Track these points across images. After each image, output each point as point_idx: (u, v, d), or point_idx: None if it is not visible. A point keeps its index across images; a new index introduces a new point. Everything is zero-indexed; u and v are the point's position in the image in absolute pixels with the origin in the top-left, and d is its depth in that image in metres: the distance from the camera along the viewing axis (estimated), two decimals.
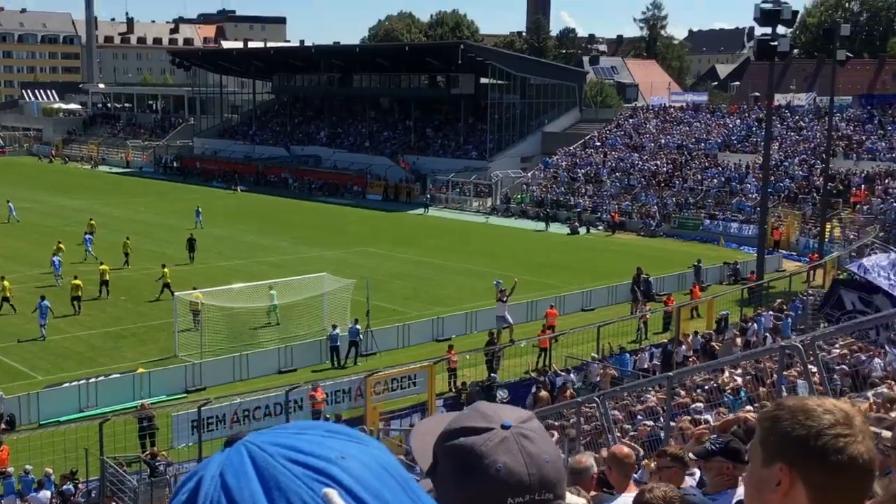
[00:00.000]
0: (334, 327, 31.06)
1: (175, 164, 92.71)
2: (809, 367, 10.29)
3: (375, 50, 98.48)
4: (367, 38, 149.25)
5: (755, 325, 29.61)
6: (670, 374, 15.42)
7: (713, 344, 28.24)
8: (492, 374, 27.51)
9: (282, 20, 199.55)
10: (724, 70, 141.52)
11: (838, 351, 18.20)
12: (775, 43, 40.44)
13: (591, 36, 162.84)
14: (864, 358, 18.06)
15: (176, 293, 32.89)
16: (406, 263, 47.17)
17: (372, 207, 69.11)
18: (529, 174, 72.27)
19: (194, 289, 33.65)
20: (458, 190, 71.41)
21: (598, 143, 74.06)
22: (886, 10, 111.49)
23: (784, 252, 49.89)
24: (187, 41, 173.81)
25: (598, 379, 25.70)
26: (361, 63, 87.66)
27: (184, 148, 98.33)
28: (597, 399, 14.77)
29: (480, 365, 28.93)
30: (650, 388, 19.25)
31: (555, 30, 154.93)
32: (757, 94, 74.53)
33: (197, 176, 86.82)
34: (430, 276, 44.18)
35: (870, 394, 12.34)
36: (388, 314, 35.39)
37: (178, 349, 30.79)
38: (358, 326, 31.27)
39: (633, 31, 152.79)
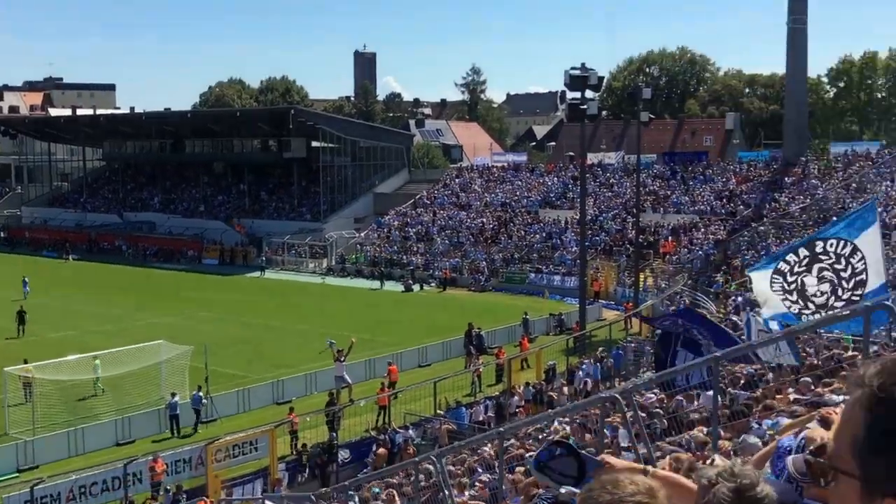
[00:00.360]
0: (173, 395, 30.10)
1: (2, 234, 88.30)
2: (628, 415, 10.70)
3: (207, 115, 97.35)
4: (198, 104, 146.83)
5: (580, 372, 30.52)
6: (501, 428, 15.65)
7: (551, 394, 28.85)
8: (332, 435, 27.22)
9: (111, 87, 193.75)
10: (540, 131, 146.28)
11: (655, 396, 18.89)
12: (585, 106, 42.42)
13: (417, 100, 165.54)
14: (684, 402, 18.81)
15: (5, 368, 31.10)
16: (244, 327, 46.29)
17: (208, 272, 67.62)
18: (363, 234, 72.54)
19: (25, 362, 31.95)
20: (293, 252, 70.86)
21: (428, 203, 75.14)
22: (682, 74, 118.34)
23: (604, 302, 51.72)
24: (13, 109, 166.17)
25: (439, 434, 25.81)
26: (193, 129, 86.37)
27: (11, 217, 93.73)
28: (433, 457, 14.81)
29: (321, 426, 28.60)
30: (486, 442, 19.45)
31: (381, 94, 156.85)
32: (571, 153, 77.37)
33: (26, 245, 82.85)
34: (268, 339, 43.48)
35: (687, 435, 12.93)
36: (228, 379, 34.56)
37: (8, 426, 29.06)
38: (201, 394, 30.41)
39: (455, 95, 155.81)
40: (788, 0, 63.65)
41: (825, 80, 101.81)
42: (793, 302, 16.46)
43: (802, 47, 64.25)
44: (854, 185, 54.91)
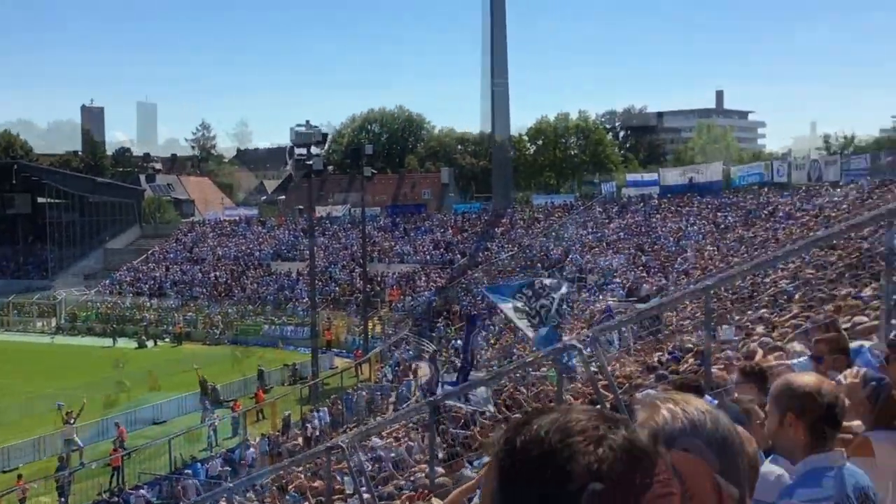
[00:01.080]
0: None
1: None
2: (352, 461, 11.16)
3: None
4: None
5: (315, 420, 30.68)
6: (230, 484, 15.61)
7: (296, 442, 28.58)
8: (63, 501, 25.70)
9: None
10: (270, 185, 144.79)
11: (381, 442, 19.44)
12: (311, 162, 43.09)
13: (147, 154, 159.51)
14: (413, 445, 19.49)
15: None
16: None
17: None
18: (94, 291, 68.87)
19: None
20: (18, 311, 66.01)
21: (160, 258, 72.71)
22: (402, 131, 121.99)
23: (336, 350, 52.01)
24: None
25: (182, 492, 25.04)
26: None
27: None
28: None
29: (52, 492, 26.88)
30: (223, 497, 19.17)
31: (111, 149, 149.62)
32: (301, 206, 77.68)
33: None
34: None
35: (411, 478, 13.59)
36: None
37: None
38: None
39: (185, 150, 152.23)
40: (490, 65, 67.96)
41: (526, 137, 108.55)
42: (535, 324, 17.98)
43: (505, 108, 68.78)
44: (554, 233, 59.04)
